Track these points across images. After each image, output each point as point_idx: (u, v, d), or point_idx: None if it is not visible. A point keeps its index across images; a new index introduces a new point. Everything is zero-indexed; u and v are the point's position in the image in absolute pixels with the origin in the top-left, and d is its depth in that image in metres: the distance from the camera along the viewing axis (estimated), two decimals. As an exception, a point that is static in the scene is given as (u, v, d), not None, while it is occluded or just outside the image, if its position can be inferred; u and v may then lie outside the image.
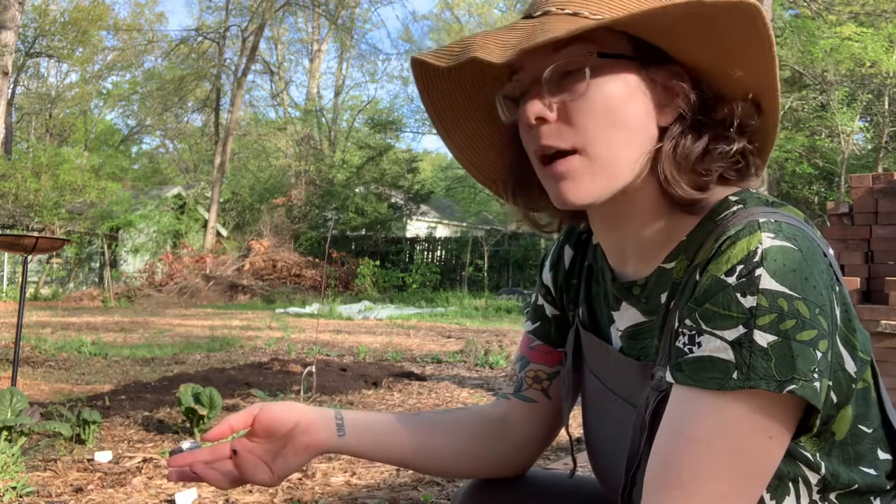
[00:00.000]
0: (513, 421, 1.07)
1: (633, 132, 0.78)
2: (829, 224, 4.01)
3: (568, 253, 1.03)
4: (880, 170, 14.79)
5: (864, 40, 13.48)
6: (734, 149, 0.79)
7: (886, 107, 14.98)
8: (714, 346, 0.70)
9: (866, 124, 16.69)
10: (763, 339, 0.68)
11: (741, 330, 0.69)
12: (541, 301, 1.07)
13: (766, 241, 0.70)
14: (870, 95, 15.19)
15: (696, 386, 0.71)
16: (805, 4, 15.16)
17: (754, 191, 0.81)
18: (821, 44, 14.31)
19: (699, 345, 0.71)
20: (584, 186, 0.79)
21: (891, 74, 14.11)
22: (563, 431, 1.09)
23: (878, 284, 3.67)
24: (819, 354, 0.68)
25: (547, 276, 1.06)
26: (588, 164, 0.78)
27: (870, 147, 17.07)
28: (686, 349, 0.72)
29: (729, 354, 0.69)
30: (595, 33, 0.76)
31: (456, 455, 1.05)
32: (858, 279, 3.74)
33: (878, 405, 0.80)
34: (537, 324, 1.07)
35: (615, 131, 0.78)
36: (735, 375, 0.68)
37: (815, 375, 0.68)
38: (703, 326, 0.71)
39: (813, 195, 16.94)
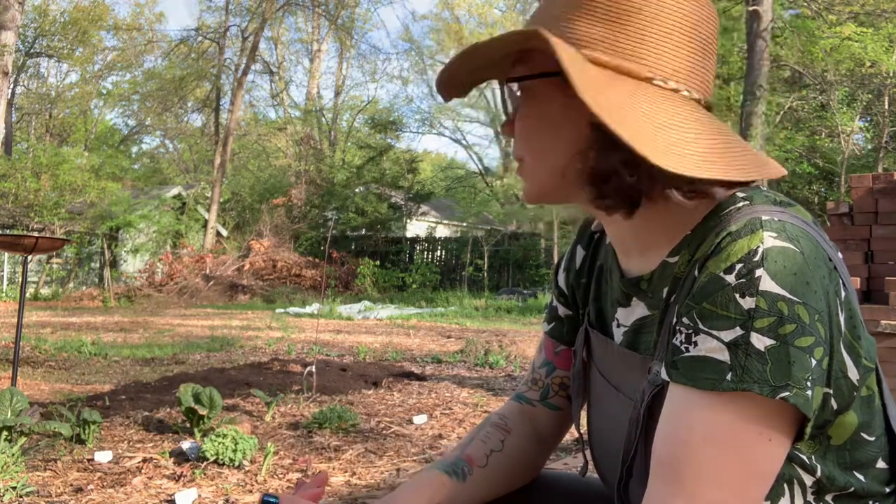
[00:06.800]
0: (541, 432, 1.08)
1: (554, 144, 0.81)
2: (829, 224, 4.00)
3: (580, 253, 1.04)
4: (880, 170, 14.78)
5: (864, 40, 13.45)
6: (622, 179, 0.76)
7: (886, 107, 14.96)
8: (710, 346, 0.69)
9: (866, 124, 16.68)
10: (760, 342, 0.67)
11: (738, 331, 0.68)
12: (555, 303, 1.09)
13: (768, 240, 0.69)
14: (870, 95, 15.18)
15: (690, 385, 0.70)
16: (805, 4, 15.13)
17: (765, 188, 0.80)
18: (821, 44, 14.28)
19: (695, 344, 0.71)
20: (526, 189, 0.86)
21: (891, 74, 14.09)
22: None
23: (878, 284, 3.67)
24: (814, 362, 0.68)
25: (560, 277, 1.08)
26: (526, 172, 0.86)
27: (870, 147, 17.06)
28: (682, 347, 0.72)
29: (725, 355, 0.68)
30: (532, 55, 0.80)
31: (509, 488, 1.06)
32: (858, 279, 3.74)
33: (883, 414, 0.79)
34: (552, 324, 1.08)
35: (536, 143, 0.83)
36: (729, 377, 0.68)
37: (808, 384, 0.67)
38: (701, 325, 0.70)
39: (813, 195, 16.92)
